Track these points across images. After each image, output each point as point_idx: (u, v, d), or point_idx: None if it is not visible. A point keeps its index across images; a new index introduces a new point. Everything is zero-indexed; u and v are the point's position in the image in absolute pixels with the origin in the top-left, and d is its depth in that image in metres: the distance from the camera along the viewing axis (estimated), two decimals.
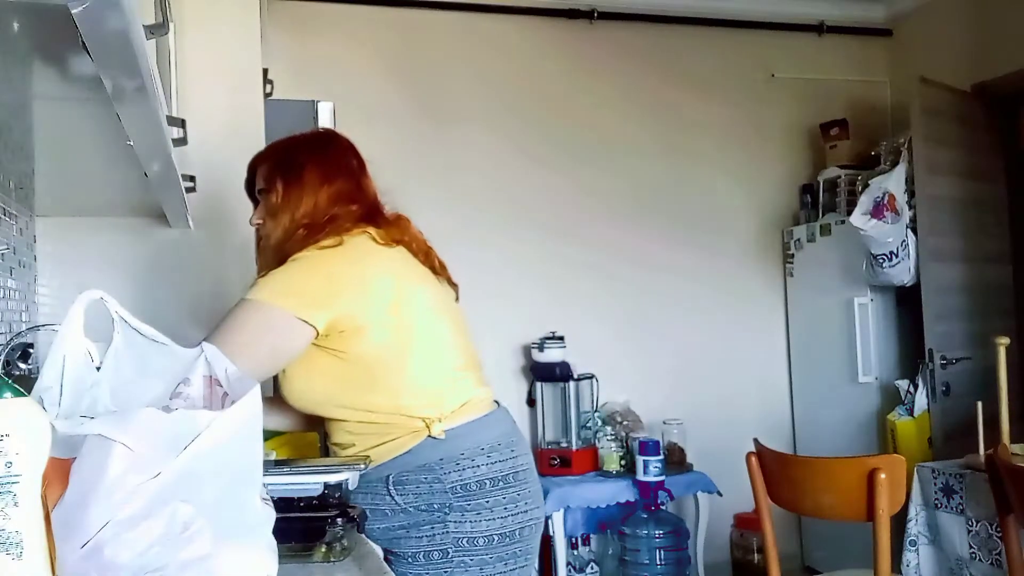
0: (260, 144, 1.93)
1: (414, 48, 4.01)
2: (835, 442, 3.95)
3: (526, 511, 1.56)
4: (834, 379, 4.11)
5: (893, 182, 3.61)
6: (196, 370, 0.99)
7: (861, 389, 3.96)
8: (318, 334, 1.48)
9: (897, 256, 3.60)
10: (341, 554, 1.24)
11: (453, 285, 1.72)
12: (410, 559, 1.51)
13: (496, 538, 1.51)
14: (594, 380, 3.90)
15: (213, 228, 2.33)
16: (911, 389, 3.65)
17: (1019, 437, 2.44)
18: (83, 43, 0.79)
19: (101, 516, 0.78)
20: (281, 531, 0.90)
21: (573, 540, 3.72)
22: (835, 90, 4.50)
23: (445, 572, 1.49)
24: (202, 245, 2.36)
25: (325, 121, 2.47)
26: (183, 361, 1.00)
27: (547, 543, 3.47)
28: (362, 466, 1.39)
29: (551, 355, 3.81)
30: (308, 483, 1.27)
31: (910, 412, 3.59)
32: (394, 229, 1.61)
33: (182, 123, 1.50)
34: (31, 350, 1.70)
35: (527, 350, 3.95)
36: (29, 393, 0.74)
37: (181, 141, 1.50)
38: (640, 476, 3.51)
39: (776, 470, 2.29)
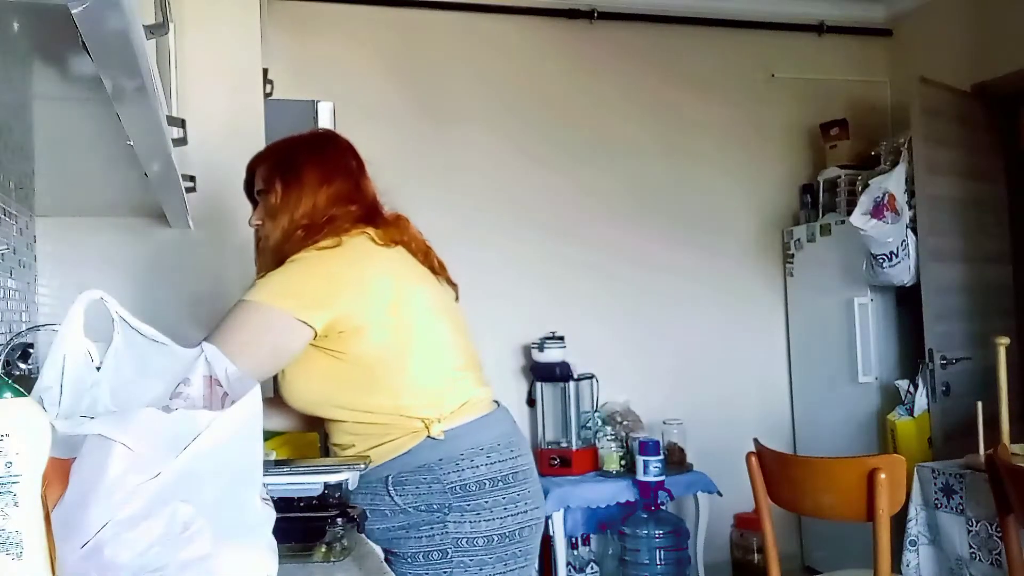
0: (260, 144, 1.93)
1: (414, 48, 4.01)
2: (835, 442, 3.95)
3: (526, 511, 1.55)
4: (834, 379, 4.11)
5: (893, 182, 3.61)
6: (196, 370, 1.00)
7: (861, 389, 3.96)
8: (316, 335, 1.48)
9: (897, 256, 3.60)
10: (341, 554, 1.24)
11: (452, 285, 1.71)
12: (409, 559, 1.51)
13: (496, 538, 1.51)
14: (594, 380, 3.90)
15: (213, 228, 2.33)
16: (911, 389, 3.65)
17: (1019, 437, 2.44)
18: (83, 43, 0.79)
19: (101, 516, 0.78)
20: (281, 531, 0.91)
21: (573, 540, 3.72)
22: (835, 90, 4.50)
23: (445, 572, 1.49)
24: (202, 245, 2.36)
25: (325, 121, 2.47)
26: (183, 361, 1.00)
27: (547, 543, 3.47)
28: (362, 466, 1.39)
29: (551, 355, 3.81)
30: (308, 483, 1.27)
31: (910, 412, 3.59)
32: (393, 229, 1.61)
33: (182, 123, 1.50)
34: (31, 350, 1.70)
35: (527, 350, 3.95)
36: (29, 393, 0.74)
37: (181, 141, 1.50)
38: (640, 476, 3.51)
39: (776, 470, 2.29)
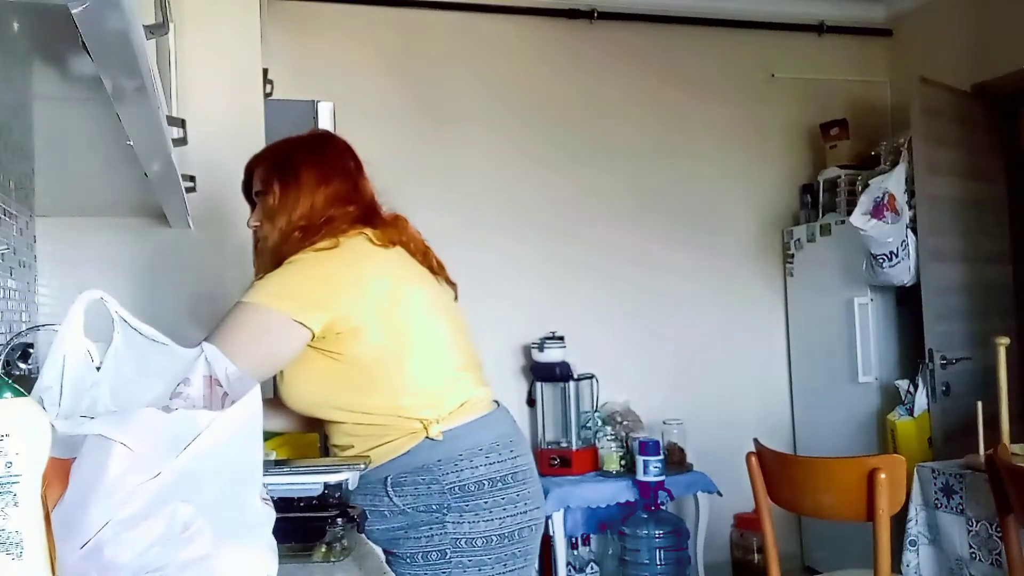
0: (260, 144, 1.93)
1: (414, 48, 4.01)
2: (835, 442, 3.95)
3: (525, 512, 1.55)
4: (834, 379, 4.11)
5: (893, 182, 3.61)
6: (196, 370, 1.00)
7: (861, 389, 3.96)
8: (314, 336, 1.48)
9: (897, 256, 3.60)
10: (341, 554, 1.24)
11: (452, 284, 1.71)
12: (408, 560, 1.51)
13: (495, 539, 1.50)
14: (594, 380, 3.90)
15: (213, 228, 2.33)
16: (911, 389, 3.65)
17: (1019, 437, 2.44)
18: (83, 43, 0.79)
19: (101, 516, 0.78)
20: (281, 531, 0.90)
21: (573, 540, 3.72)
22: (835, 90, 4.50)
23: (444, 572, 1.49)
24: (202, 245, 2.36)
25: (325, 121, 2.47)
26: (183, 361, 1.00)
27: (547, 543, 3.47)
28: (362, 466, 1.39)
29: (551, 355, 3.81)
30: (308, 483, 1.27)
31: (910, 412, 3.59)
32: (391, 230, 1.61)
33: (182, 123, 1.50)
34: (31, 350, 1.70)
35: (527, 350, 3.95)
36: (29, 393, 0.74)
37: (181, 141, 1.50)
38: (640, 476, 3.51)
39: (776, 470, 2.29)
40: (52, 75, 1.03)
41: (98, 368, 0.95)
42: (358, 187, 1.64)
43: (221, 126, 2.28)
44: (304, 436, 1.92)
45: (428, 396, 1.54)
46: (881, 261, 3.64)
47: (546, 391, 3.90)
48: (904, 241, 3.58)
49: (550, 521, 3.52)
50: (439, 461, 1.50)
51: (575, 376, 3.83)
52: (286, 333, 1.47)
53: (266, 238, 1.59)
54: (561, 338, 3.83)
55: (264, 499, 0.89)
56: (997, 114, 3.99)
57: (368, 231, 1.57)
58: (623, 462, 3.72)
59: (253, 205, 1.68)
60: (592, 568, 3.71)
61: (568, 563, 3.65)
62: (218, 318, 1.50)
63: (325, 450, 1.70)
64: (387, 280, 1.54)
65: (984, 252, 3.83)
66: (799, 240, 4.31)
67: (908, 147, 3.69)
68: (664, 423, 3.86)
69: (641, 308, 4.21)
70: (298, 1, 3.80)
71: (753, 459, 2.34)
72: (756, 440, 2.40)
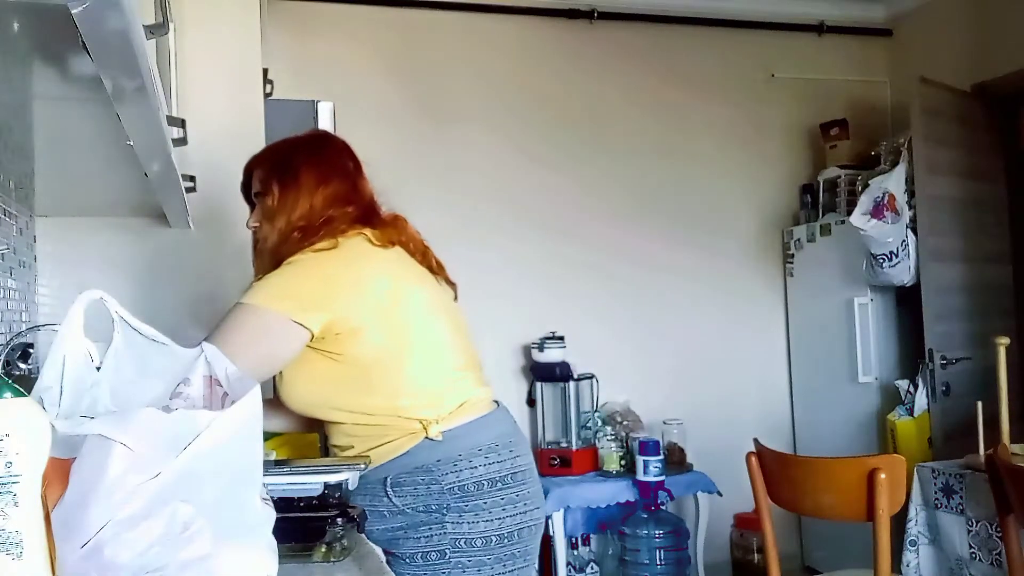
0: (260, 144, 1.93)
1: (414, 48, 4.01)
2: (835, 442, 3.95)
3: (525, 512, 1.55)
4: (834, 379, 4.11)
5: (893, 182, 3.61)
6: (196, 370, 1.00)
7: (861, 389, 3.95)
8: (313, 337, 1.48)
9: (897, 256, 3.60)
10: (341, 554, 1.24)
11: (451, 284, 1.71)
12: (408, 560, 1.51)
13: (494, 539, 1.50)
14: (594, 380, 3.90)
15: (213, 228, 2.33)
16: (911, 389, 3.65)
17: (1019, 437, 2.44)
18: (83, 43, 0.79)
19: (101, 516, 0.78)
20: (281, 531, 0.90)
21: (573, 540, 3.72)
22: (835, 90, 4.50)
23: (443, 573, 1.49)
24: (202, 245, 2.36)
25: (325, 121, 2.47)
26: (183, 361, 1.00)
27: (547, 543, 3.47)
28: (362, 466, 1.39)
29: (551, 355, 3.81)
30: (308, 483, 1.27)
31: (910, 412, 3.59)
32: (390, 230, 1.61)
33: (182, 123, 1.50)
34: (31, 350, 1.70)
35: (527, 350, 3.95)
36: (29, 393, 0.74)
37: (181, 141, 1.50)
38: (640, 476, 3.51)
39: (776, 470, 2.29)
40: (52, 75, 1.03)
41: (98, 368, 0.95)
42: (357, 187, 1.64)
43: (221, 126, 2.28)
44: (304, 436, 1.92)
45: (428, 396, 1.54)
46: (881, 261, 3.64)
47: (546, 391, 3.90)
48: (904, 241, 3.59)
49: (550, 521, 3.52)
50: (438, 461, 1.50)
51: (575, 376, 3.83)
52: (285, 334, 1.47)
53: (265, 239, 1.59)
54: (561, 338, 3.83)
55: (264, 499, 0.89)
56: (997, 114, 3.99)
57: (367, 231, 1.57)
58: (623, 462, 3.72)
59: (252, 206, 1.68)
60: (592, 568, 3.71)
61: (568, 563, 3.65)
62: (218, 318, 1.50)
63: (325, 450, 1.70)
64: (386, 280, 1.54)
65: (984, 252, 3.83)
66: (799, 240, 4.31)
67: (908, 147, 3.69)
68: (664, 423, 3.86)
69: (641, 308, 4.21)
70: (298, 1, 3.80)
71: (753, 459, 2.34)
72: (756, 440, 2.40)
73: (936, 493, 2.45)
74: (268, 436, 1.79)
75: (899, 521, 2.28)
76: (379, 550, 1.48)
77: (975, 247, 3.77)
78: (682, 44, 4.34)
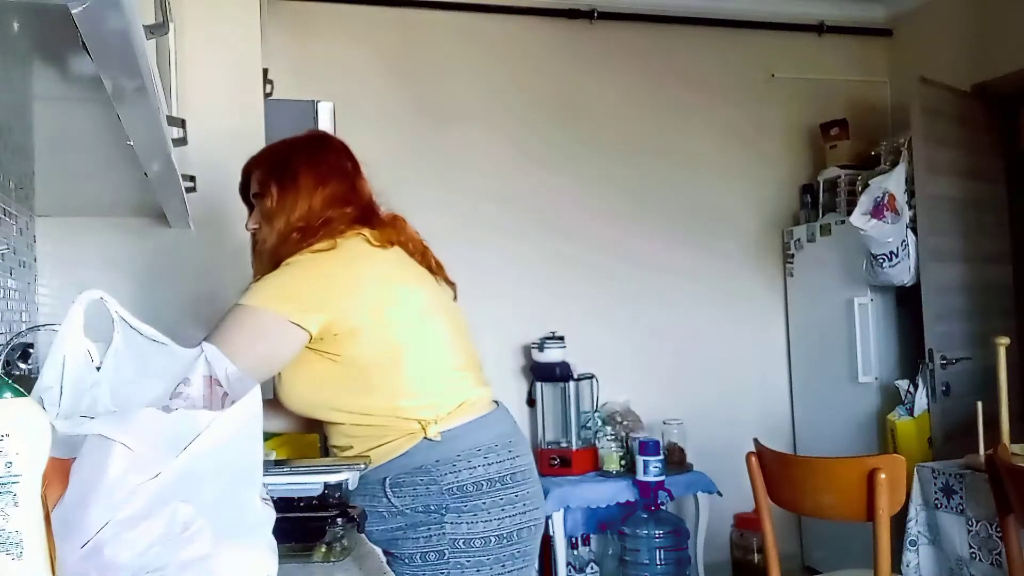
0: (260, 144, 1.93)
1: (414, 48, 4.01)
2: (835, 442, 3.94)
3: (524, 512, 1.55)
4: (834, 379, 4.11)
5: (893, 182, 3.61)
6: (196, 370, 1.00)
7: (861, 389, 3.96)
8: (312, 338, 1.48)
9: (897, 256, 3.60)
10: (341, 554, 1.24)
11: (451, 284, 1.71)
12: (407, 560, 1.51)
13: (493, 539, 1.50)
14: (594, 380, 3.90)
15: (213, 228, 2.33)
16: (911, 389, 3.65)
17: (1019, 437, 2.44)
18: (83, 43, 0.79)
19: (101, 516, 0.78)
20: (281, 531, 0.90)
21: (573, 540, 3.72)
22: (835, 90, 4.50)
23: (443, 573, 1.49)
24: (202, 245, 2.36)
25: (325, 121, 2.47)
26: (183, 361, 1.00)
27: (547, 543, 3.47)
28: (362, 466, 1.39)
29: (551, 355, 3.81)
30: (308, 483, 1.27)
31: (910, 412, 3.59)
32: (389, 230, 1.61)
33: (182, 123, 1.50)
34: (31, 350, 1.70)
35: (527, 350, 3.95)
36: (29, 393, 0.74)
37: (181, 141, 1.50)
38: (640, 476, 3.51)
39: (776, 470, 2.29)
40: (52, 75, 1.03)
41: (98, 368, 0.95)
42: (356, 188, 1.64)
43: (221, 126, 2.28)
44: (304, 436, 1.92)
45: (427, 396, 1.54)
46: (881, 261, 3.64)
47: (546, 391, 3.90)
48: (904, 241, 3.59)
49: (550, 521, 3.52)
50: (437, 462, 1.50)
51: (575, 376, 3.83)
52: (283, 335, 1.47)
53: (264, 240, 1.59)
54: (561, 338, 3.83)
55: (264, 499, 0.89)
56: (997, 114, 3.99)
57: (366, 232, 1.57)
58: (623, 462, 3.72)
59: (251, 207, 1.68)
60: (592, 568, 3.71)
61: (568, 563, 3.65)
62: (218, 318, 1.50)
63: (325, 450, 1.70)
64: (385, 281, 1.54)
65: (984, 252, 3.83)
66: (799, 240, 4.31)
67: (908, 147, 3.69)
68: (664, 423, 3.86)
69: (641, 308, 4.21)
70: (298, 1, 3.81)
71: (753, 459, 2.34)
72: (756, 440, 2.40)
73: (936, 493, 2.45)
74: (268, 436, 1.79)
75: (899, 521, 2.28)
76: (379, 550, 1.48)
77: (975, 247, 3.77)
78: (682, 44, 4.34)
